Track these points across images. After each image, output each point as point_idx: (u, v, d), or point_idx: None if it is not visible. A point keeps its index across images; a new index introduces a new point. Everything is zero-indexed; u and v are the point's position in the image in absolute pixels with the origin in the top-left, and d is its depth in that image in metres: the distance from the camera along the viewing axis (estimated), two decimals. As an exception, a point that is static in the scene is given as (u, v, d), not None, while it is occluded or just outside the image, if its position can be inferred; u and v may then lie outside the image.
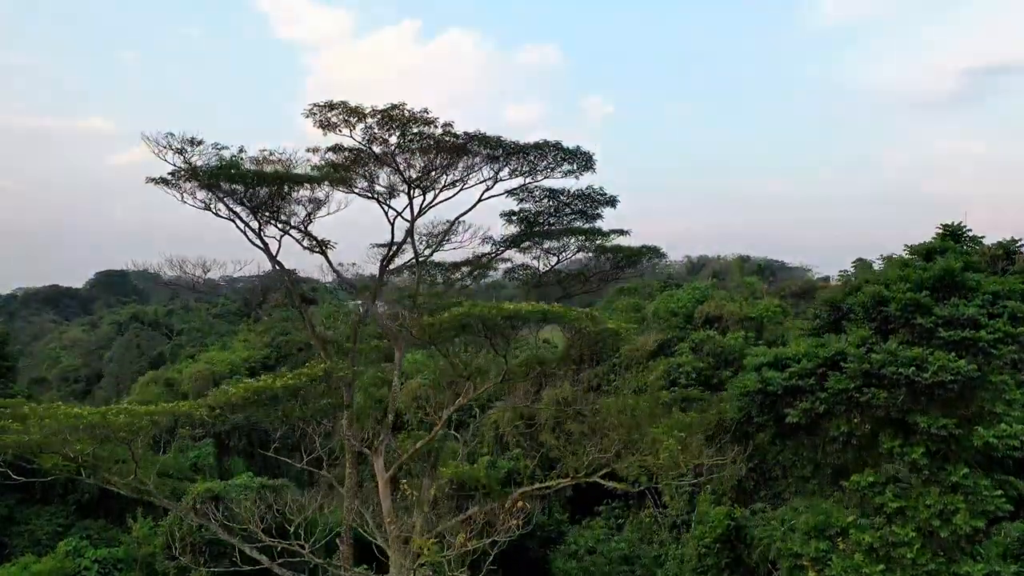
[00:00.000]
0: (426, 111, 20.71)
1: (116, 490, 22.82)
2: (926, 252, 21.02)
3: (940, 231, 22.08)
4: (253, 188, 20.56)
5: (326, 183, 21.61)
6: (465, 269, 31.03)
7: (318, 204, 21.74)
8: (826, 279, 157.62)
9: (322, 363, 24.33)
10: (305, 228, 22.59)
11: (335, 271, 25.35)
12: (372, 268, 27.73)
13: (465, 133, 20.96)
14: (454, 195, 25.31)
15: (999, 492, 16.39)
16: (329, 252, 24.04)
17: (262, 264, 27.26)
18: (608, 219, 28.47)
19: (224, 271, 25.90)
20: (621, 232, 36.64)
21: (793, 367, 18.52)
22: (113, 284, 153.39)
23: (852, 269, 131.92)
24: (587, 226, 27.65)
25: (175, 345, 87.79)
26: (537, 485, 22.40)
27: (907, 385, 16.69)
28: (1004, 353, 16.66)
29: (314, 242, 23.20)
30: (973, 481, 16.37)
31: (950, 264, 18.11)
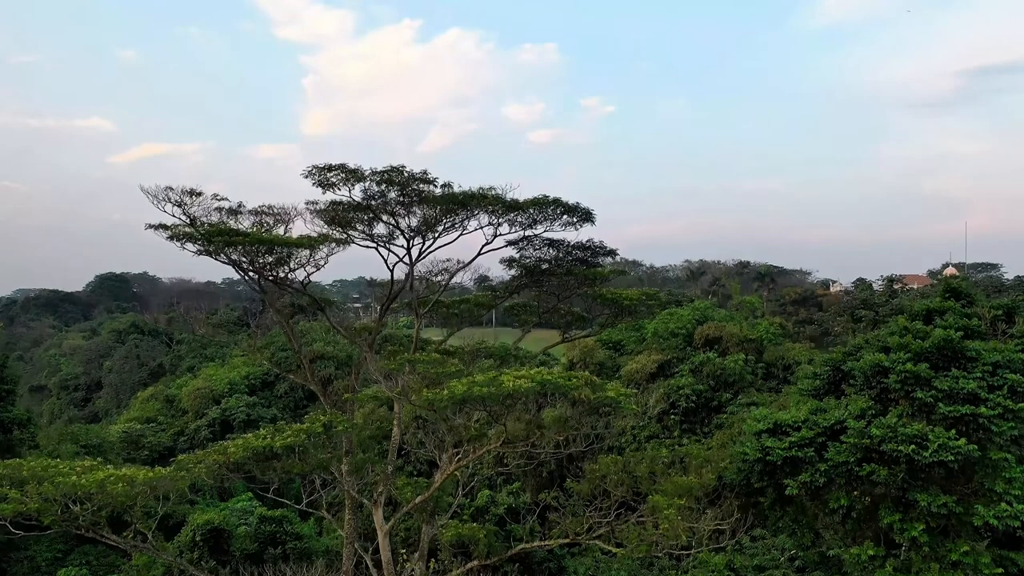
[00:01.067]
0: (426, 172, 20.69)
1: (114, 543, 22.77)
2: (926, 313, 20.97)
3: (941, 286, 22.08)
4: (251, 252, 20.53)
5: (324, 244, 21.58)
6: (464, 307, 31.10)
7: (317, 266, 21.71)
8: (825, 284, 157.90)
9: (321, 416, 24.30)
10: (304, 288, 22.57)
11: (334, 327, 25.28)
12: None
13: (464, 193, 20.90)
14: (454, 240, 25.35)
15: (1000, 570, 16.39)
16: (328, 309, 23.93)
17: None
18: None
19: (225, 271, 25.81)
20: (621, 272, 36.54)
21: (793, 436, 18.49)
22: (113, 288, 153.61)
23: (852, 287, 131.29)
24: (588, 270, 27.65)
25: (175, 356, 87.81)
26: (537, 543, 22.43)
27: (907, 462, 16.67)
28: (1004, 430, 16.62)
29: (313, 301, 23.16)
30: (974, 559, 16.36)
31: (949, 335, 18.05)
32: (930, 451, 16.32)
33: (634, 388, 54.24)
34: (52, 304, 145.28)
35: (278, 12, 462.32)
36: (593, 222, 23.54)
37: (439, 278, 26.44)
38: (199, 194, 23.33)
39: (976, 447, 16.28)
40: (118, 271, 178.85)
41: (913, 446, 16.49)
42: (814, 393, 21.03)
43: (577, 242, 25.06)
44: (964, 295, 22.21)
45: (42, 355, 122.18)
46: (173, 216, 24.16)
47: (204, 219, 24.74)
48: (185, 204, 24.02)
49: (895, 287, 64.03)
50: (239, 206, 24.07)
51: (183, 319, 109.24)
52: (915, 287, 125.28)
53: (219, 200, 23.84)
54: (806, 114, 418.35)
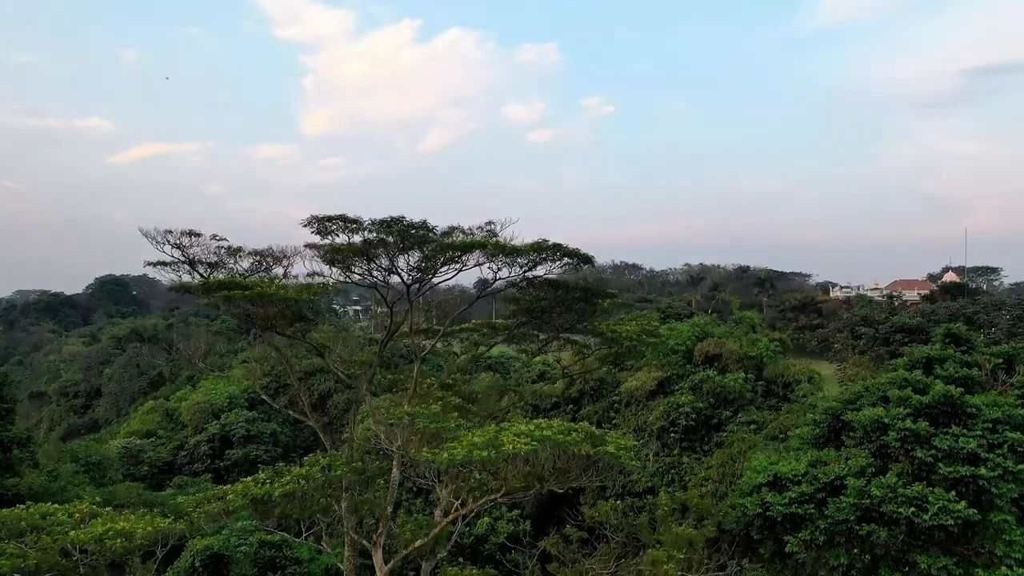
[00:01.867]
0: (425, 222, 20.64)
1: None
2: (926, 361, 20.93)
3: (942, 336, 22.06)
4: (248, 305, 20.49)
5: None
6: (462, 348, 31.06)
7: (316, 313, 21.67)
8: (825, 288, 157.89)
9: (321, 458, 24.30)
10: (303, 336, 22.54)
11: (333, 370, 25.23)
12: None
13: (464, 243, 20.83)
14: (453, 276, 25.32)
15: (999, 632, 16.37)
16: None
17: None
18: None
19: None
20: (622, 304, 36.43)
21: (793, 491, 18.45)
22: (113, 292, 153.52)
23: (852, 291, 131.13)
24: (588, 306, 27.62)
25: (174, 365, 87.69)
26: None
27: (907, 524, 16.64)
28: (1004, 491, 16.60)
29: (312, 348, 23.13)
30: (974, 620, 16.34)
31: (949, 391, 18.01)
32: (930, 514, 16.29)
33: (634, 406, 54.34)
34: (52, 308, 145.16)
35: (278, 12, 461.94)
36: (593, 264, 23.48)
37: (438, 324, 26.37)
38: (198, 235, 23.34)
39: (976, 511, 16.25)
40: (118, 273, 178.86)
41: (913, 508, 16.47)
42: (814, 442, 21.00)
43: (577, 286, 24.97)
44: (964, 341, 22.17)
45: (42, 361, 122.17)
46: (172, 257, 24.19)
47: (204, 259, 24.74)
48: (184, 246, 24.04)
49: (895, 304, 63.95)
50: (237, 250, 24.07)
51: (183, 328, 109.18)
52: (916, 293, 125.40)
53: (218, 240, 23.86)
54: (806, 114, 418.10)
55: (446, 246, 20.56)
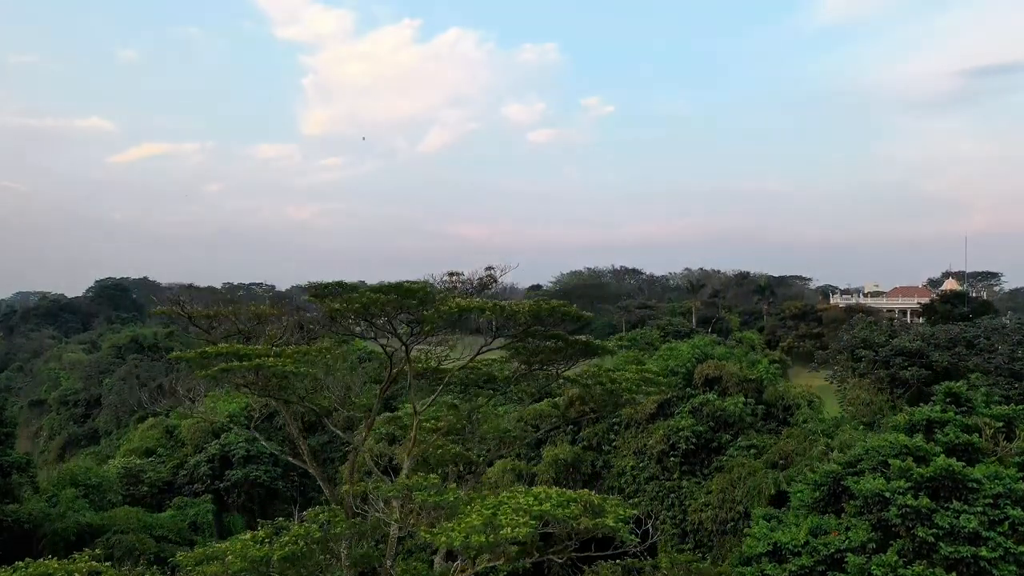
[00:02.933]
0: (425, 287, 20.63)
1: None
2: (926, 424, 20.89)
3: (942, 395, 22.03)
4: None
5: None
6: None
7: (317, 382, 21.66)
8: (825, 293, 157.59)
9: (320, 514, 24.30)
10: (302, 401, 22.52)
11: (331, 428, 25.23)
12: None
13: (462, 307, 20.77)
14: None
15: None
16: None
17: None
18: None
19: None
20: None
21: (792, 563, 18.41)
22: (113, 297, 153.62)
23: (853, 300, 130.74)
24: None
25: (174, 378, 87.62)
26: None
27: (908, 605, 16.63)
28: (1005, 573, 16.56)
29: (312, 410, 23.10)
30: None
31: (951, 464, 17.97)
32: (930, 596, 16.27)
33: (633, 428, 54.27)
34: (52, 314, 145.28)
35: (278, 12, 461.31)
36: (591, 325, 23.44)
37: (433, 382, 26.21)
38: (196, 288, 23.33)
39: (976, 595, 16.24)
40: (118, 276, 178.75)
41: (913, 591, 16.45)
42: (814, 506, 20.97)
43: (575, 339, 24.86)
44: (964, 400, 22.14)
45: (42, 368, 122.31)
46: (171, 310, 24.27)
47: (203, 311, 24.76)
48: (183, 301, 24.12)
49: (895, 325, 64.09)
50: (238, 294, 24.06)
51: (184, 336, 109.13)
52: (915, 301, 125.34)
53: (224, 291, 23.87)
54: (806, 114, 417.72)
55: (445, 311, 20.49)
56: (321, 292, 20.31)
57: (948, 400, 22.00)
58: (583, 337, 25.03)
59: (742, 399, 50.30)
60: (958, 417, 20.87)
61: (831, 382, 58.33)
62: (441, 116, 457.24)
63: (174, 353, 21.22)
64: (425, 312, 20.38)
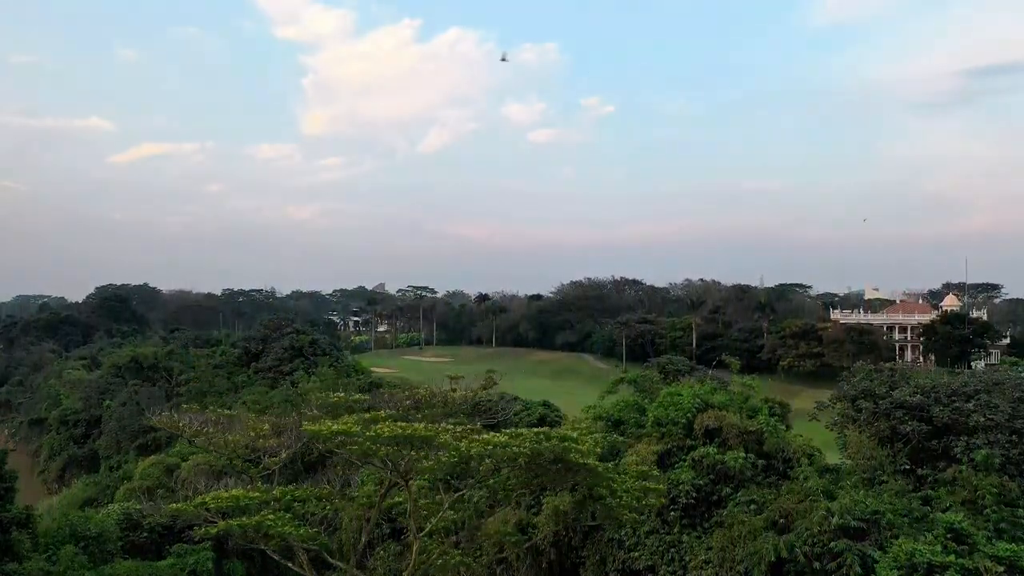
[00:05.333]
0: (430, 438, 20.56)
1: None
2: (927, 567, 20.85)
3: (942, 534, 21.99)
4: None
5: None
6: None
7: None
8: (826, 305, 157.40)
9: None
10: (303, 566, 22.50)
11: (328, 553, 25.20)
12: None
13: (465, 453, 20.69)
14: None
15: None
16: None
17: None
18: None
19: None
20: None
21: None
22: (113, 309, 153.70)
23: (853, 315, 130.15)
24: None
25: (175, 404, 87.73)
26: None
27: None
28: None
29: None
30: None
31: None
32: None
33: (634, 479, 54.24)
34: (52, 326, 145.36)
35: (277, 12, 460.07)
36: (588, 468, 23.16)
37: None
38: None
39: None
40: (118, 282, 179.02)
41: None
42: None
43: (582, 463, 24.67)
44: (965, 537, 22.10)
45: (43, 385, 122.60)
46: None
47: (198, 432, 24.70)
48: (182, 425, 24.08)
49: (894, 378, 63.86)
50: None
51: (184, 354, 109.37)
52: (915, 318, 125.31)
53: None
54: (806, 114, 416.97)
55: (444, 462, 20.38)
56: (322, 437, 20.22)
57: (949, 536, 21.95)
58: (589, 462, 24.79)
59: (742, 454, 50.32)
60: (959, 561, 20.82)
61: (831, 428, 58.38)
62: (441, 116, 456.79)
63: (174, 507, 21.09)
64: (426, 462, 20.26)
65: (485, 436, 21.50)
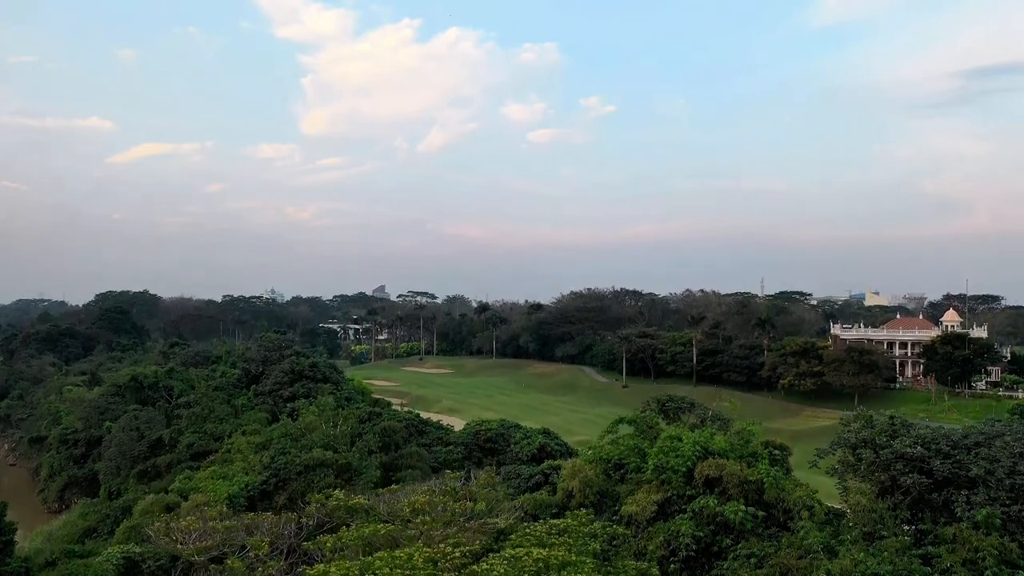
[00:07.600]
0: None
1: None
2: None
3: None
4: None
5: None
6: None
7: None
8: (827, 315, 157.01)
9: None
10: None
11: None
12: None
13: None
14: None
15: None
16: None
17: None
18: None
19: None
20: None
21: None
22: (113, 320, 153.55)
23: (853, 330, 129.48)
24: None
25: (175, 430, 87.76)
26: None
27: None
28: None
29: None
30: None
31: None
32: None
33: (633, 527, 54.28)
34: (52, 339, 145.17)
35: (277, 12, 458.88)
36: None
37: None
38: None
39: None
40: (118, 289, 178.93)
41: None
42: None
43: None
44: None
45: (43, 402, 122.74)
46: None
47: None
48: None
49: (894, 426, 63.75)
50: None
51: (183, 373, 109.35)
52: (916, 332, 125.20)
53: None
54: (806, 114, 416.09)
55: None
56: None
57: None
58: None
59: (743, 507, 50.31)
60: None
61: (832, 475, 58.31)
62: (441, 116, 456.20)
63: None
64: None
65: (484, 566, 21.40)
